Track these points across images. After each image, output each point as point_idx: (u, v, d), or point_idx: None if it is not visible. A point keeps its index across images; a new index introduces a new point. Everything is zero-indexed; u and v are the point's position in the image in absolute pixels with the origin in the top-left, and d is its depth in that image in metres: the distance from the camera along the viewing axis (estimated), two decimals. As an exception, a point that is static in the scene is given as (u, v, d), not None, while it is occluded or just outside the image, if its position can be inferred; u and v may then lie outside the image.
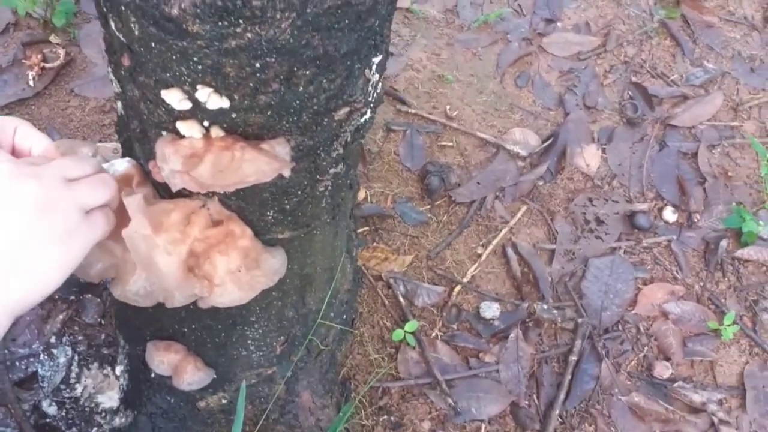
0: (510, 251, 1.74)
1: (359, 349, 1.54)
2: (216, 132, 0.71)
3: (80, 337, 1.42)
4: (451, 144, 1.93)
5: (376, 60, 0.77)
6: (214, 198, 0.83)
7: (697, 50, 2.28)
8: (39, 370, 1.37)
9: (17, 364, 1.37)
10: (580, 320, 1.65)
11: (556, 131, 1.98)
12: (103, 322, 1.45)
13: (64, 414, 1.33)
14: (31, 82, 1.77)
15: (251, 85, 0.66)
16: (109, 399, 1.35)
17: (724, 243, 1.82)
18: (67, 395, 1.35)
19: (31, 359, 1.38)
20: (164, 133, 0.75)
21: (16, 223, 0.65)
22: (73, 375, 1.38)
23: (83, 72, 1.85)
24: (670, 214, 1.87)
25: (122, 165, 0.83)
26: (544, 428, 1.52)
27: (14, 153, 0.76)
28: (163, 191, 0.85)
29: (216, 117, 0.70)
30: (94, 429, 1.32)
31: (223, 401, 1.22)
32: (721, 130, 2.08)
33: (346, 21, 0.65)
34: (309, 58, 0.66)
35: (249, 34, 0.61)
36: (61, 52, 1.83)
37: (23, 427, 1.29)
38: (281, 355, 1.20)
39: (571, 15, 2.32)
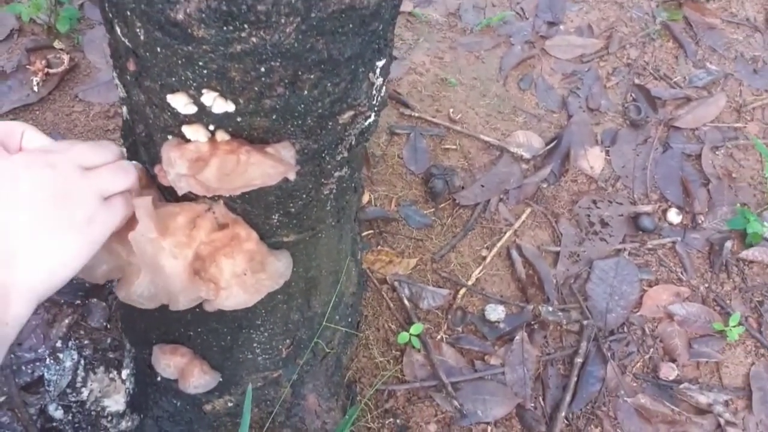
0: (514, 253, 1.74)
1: (364, 352, 1.55)
2: (221, 136, 0.72)
3: (86, 341, 1.43)
4: (454, 147, 1.93)
5: (380, 64, 0.78)
6: (219, 201, 0.84)
7: (700, 52, 2.28)
8: (45, 374, 1.37)
9: (23, 368, 1.37)
10: (585, 322, 1.65)
11: (560, 134, 1.98)
12: (108, 326, 1.45)
13: (70, 418, 1.34)
14: (35, 88, 1.78)
15: (256, 89, 0.67)
16: (116, 403, 1.35)
17: (728, 244, 1.82)
18: (73, 399, 1.36)
19: (38, 363, 1.38)
20: (170, 137, 0.75)
21: (34, 211, 0.66)
22: (79, 379, 1.38)
23: (87, 77, 1.85)
24: (674, 216, 1.87)
25: (128, 169, 0.84)
26: (550, 430, 1.52)
27: None
28: (168, 195, 0.85)
29: (221, 121, 0.71)
30: (101, 433, 1.33)
31: (230, 404, 1.22)
32: (724, 132, 2.08)
33: (350, 25, 0.66)
34: (313, 62, 0.66)
35: (254, 39, 0.61)
36: (65, 57, 1.84)
37: (30, 431, 1.30)
38: (287, 358, 1.20)
39: (573, 18, 2.32)
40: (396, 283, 1.64)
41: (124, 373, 1.36)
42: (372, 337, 1.57)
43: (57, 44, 1.89)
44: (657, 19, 2.34)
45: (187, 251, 0.81)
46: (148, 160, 0.85)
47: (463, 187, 1.83)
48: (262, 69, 0.65)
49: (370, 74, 0.77)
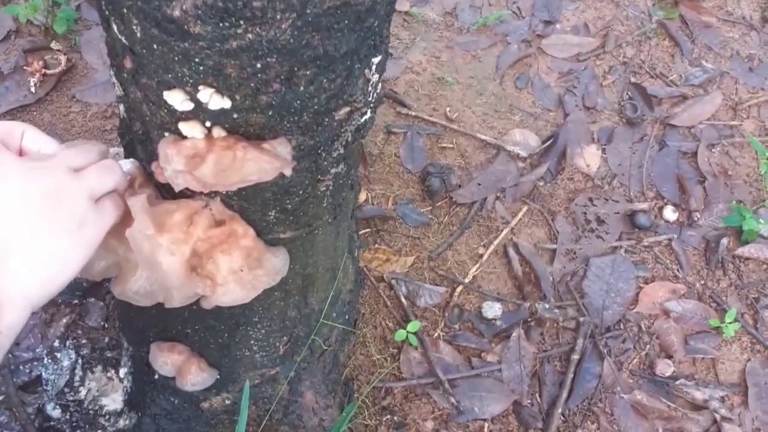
0: (511, 251, 1.75)
1: (362, 350, 1.55)
2: (218, 132, 0.72)
3: (84, 341, 1.43)
4: (451, 146, 1.94)
5: (376, 60, 0.78)
6: (216, 198, 0.84)
7: (696, 50, 2.29)
8: (43, 373, 1.38)
9: (21, 367, 1.38)
10: (581, 319, 1.65)
11: (556, 132, 1.99)
12: (106, 325, 1.45)
13: (68, 417, 1.34)
14: (32, 89, 1.78)
15: (252, 85, 0.67)
16: (113, 401, 1.35)
17: (724, 241, 1.83)
18: (71, 398, 1.36)
19: (35, 363, 1.39)
20: (167, 134, 0.76)
21: (29, 217, 0.66)
22: (76, 378, 1.38)
23: (84, 78, 1.86)
24: (670, 213, 1.88)
25: (125, 166, 0.84)
26: (546, 427, 1.52)
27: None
28: (165, 192, 0.86)
29: (218, 117, 0.71)
30: (99, 431, 1.33)
31: (227, 402, 1.23)
32: (720, 130, 2.09)
33: (346, 21, 0.66)
34: (309, 58, 0.67)
35: (250, 35, 0.62)
36: (63, 58, 1.84)
37: (28, 430, 1.30)
38: (284, 356, 1.20)
39: (569, 17, 2.33)
40: (393, 281, 1.64)
41: (122, 371, 1.36)
42: (369, 334, 1.58)
43: (54, 45, 1.89)
44: (653, 18, 2.35)
45: (184, 248, 0.81)
46: (145, 158, 0.85)
47: (460, 186, 1.84)
48: (258, 65, 0.65)
49: (366, 70, 0.77)
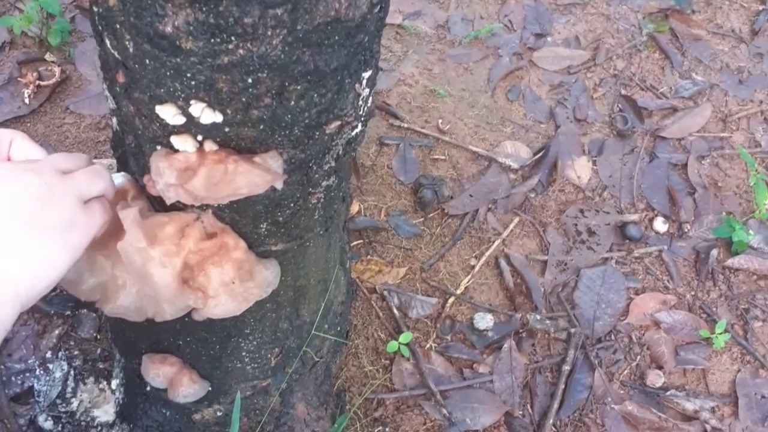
0: (503, 263, 1.75)
1: (354, 361, 1.55)
2: (209, 146, 0.73)
3: (76, 352, 1.43)
4: (443, 157, 1.95)
5: (366, 75, 0.79)
6: (208, 211, 0.85)
7: (686, 63, 2.31)
8: (35, 384, 1.38)
9: (13, 379, 1.38)
10: (572, 330, 1.66)
11: (548, 144, 2.00)
12: (98, 336, 1.46)
13: (60, 428, 1.34)
14: (26, 100, 1.79)
15: (243, 100, 0.68)
16: (105, 413, 1.36)
17: (714, 252, 1.84)
18: (63, 410, 1.36)
19: (27, 374, 1.39)
20: (159, 147, 0.76)
21: (19, 216, 0.67)
22: (69, 389, 1.38)
23: (78, 90, 1.86)
24: (660, 225, 1.89)
25: (117, 179, 0.85)
26: (538, 438, 1.53)
27: None
28: (157, 205, 0.86)
29: (209, 131, 0.72)
30: (91, 443, 1.33)
31: (219, 413, 1.23)
32: (710, 141, 2.11)
33: (336, 37, 0.67)
34: (300, 74, 0.68)
35: (241, 51, 0.63)
36: (57, 70, 1.85)
37: (20, 441, 1.30)
38: (276, 367, 1.21)
39: (561, 30, 2.34)
40: (385, 293, 1.65)
41: (114, 383, 1.36)
42: (361, 346, 1.58)
43: (48, 57, 1.90)
44: (643, 31, 2.37)
45: (175, 260, 0.82)
46: (138, 171, 0.86)
47: (451, 197, 1.85)
48: (250, 80, 0.66)
49: (357, 85, 0.78)
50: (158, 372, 1.11)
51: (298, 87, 0.69)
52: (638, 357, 1.67)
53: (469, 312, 1.68)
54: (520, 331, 1.66)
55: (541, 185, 1.93)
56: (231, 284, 0.86)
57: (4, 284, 0.65)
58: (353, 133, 0.86)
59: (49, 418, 1.35)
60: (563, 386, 1.58)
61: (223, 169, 0.72)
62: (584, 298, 1.73)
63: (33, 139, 0.77)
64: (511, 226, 1.83)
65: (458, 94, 2.11)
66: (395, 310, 1.63)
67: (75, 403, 1.37)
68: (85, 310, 1.47)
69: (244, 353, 1.13)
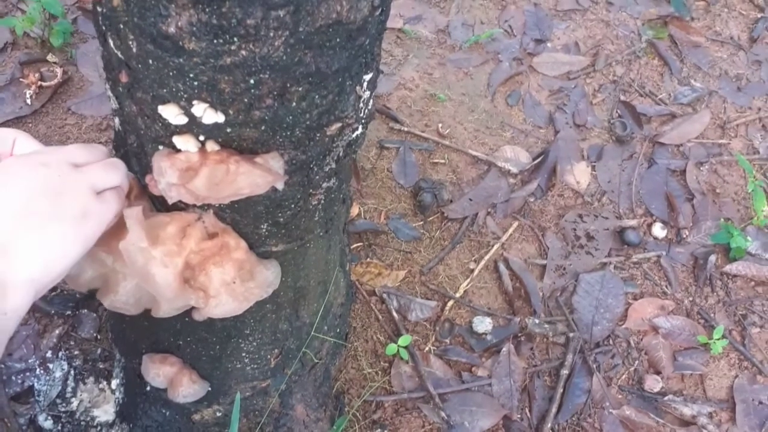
0: (502, 266, 1.76)
1: (353, 363, 1.56)
2: (211, 146, 0.74)
3: (76, 352, 1.44)
4: (443, 161, 1.95)
5: (367, 77, 0.80)
6: (209, 211, 0.85)
7: (685, 69, 2.32)
8: (35, 384, 1.38)
9: (13, 378, 1.38)
10: (571, 335, 1.67)
11: (547, 149, 2.01)
12: (98, 336, 1.46)
13: (59, 428, 1.34)
14: (28, 101, 1.80)
15: (245, 100, 0.69)
16: (105, 413, 1.36)
17: (712, 258, 1.85)
18: (62, 409, 1.37)
19: (28, 374, 1.39)
20: (161, 147, 0.77)
21: (33, 205, 0.68)
22: (69, 389, 1.39)
23: (80, 90, 1.87)
24: (659, 230, 1.90)
25: (120, 179, 0.85)
26: (535, 441, 1.53)
27: None
28: (159, 204, 0.87)
29: (211, 131, 0.73)
30: (90, 443, 1.34)
31: (218, 414, 1.23)
32: (708, 148, 2.12)
33: (338, 39, 0.68)
34: (302, 75, 0.68)
35: (243, 52, 0.64)
36: (59, 71, 1.86)
37: (19, 441, 1.30)
38: (275, 368, 1.21)
39: (560, 35, 2.35)
40: (385, 295, 1.65)
41: (114, 383, 1.36)
42: (360, 348, 1.59)
43: (50, 58, 1.90)
44: (643, 37, 2.38)
45: (177, 260, 0.82)
46: (140, 170, 0.86)
47: (451, 201, 1.85)
48: (252, 81, 0.67)
49: (357, 87, 0.79)
50: (158, 372, 1.12)
51: (300, 88, 0.70)
52: (636, 362, 1.68)
53: (468, 315, 1.68)
54: (519, 334, 1.66)
55: (540, 190, 1.94)
56: (232, 284, 0.87)
57: (20, 271, 0.66)
58: (354, 135, 0.87)
59: (49, 417, 1.35)
60: (561, 390, 1.59)
61: (224, 169, 0.72)
62: (583, 302, 1.73)
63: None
64: (510, 231, 1.84)
65: (458, 99, 2.11)
66: (394, 313, 1.63)
67: (75, 403, 1.37)
68: (86, 311, 1.48)
69: (243, 354, 1.14)
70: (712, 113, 2.20)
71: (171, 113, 0.70)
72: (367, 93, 0.83)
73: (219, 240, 0.86)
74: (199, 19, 0.60)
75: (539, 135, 2.07)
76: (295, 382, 1.29)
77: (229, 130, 0.72)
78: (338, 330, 1.41)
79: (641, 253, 1.86)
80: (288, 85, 0.69)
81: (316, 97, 0.73)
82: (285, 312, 1.12)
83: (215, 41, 0.62)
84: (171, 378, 1.13)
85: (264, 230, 0.91)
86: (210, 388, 1.16)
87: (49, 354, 1.42)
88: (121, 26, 0.66)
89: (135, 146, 0.84)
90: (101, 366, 1.42)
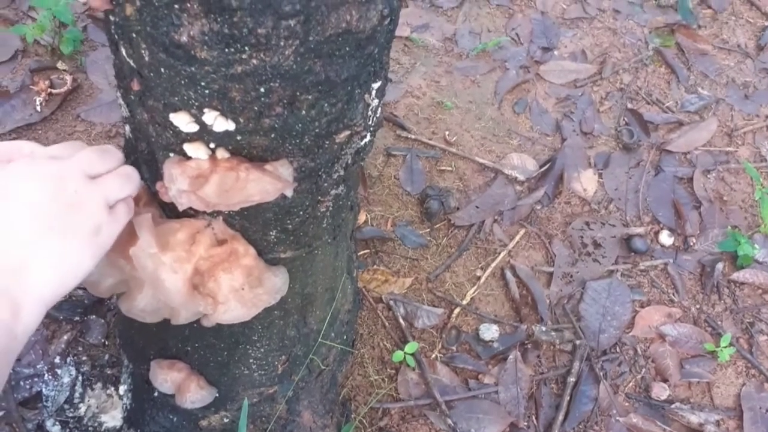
0: (509, 274, 1.76)
1: (359, 370, 1.56)
2: (221, 153, 0.74)
3: (84, 358, 1.44)
4: (450, 169, 1.96)
5: (376, 86, 0.81)
6: (218, 218, 0.86)
7: (692, 77, 2.32)
8: (43, 389, 1.39)
9: (22, 383, 1.39)
10: (578, 342, 1.67)
11: (554, 156, 2.01)
12: (106, 342, 1.47)
13: (67, 433, 1.35)
14: (38, 108, 1.81)
15: (256, 108, 0.69)
16: (112, 418, 1.36)
17: (719, 266, 1.85)
18: (70, 415, 1.37)
19: (36, 379, 1.40)
20: (171, 154, 0.78)
21: (46, 222, 0.67)
22: (76, 395, 1.39)
23: (89, 98, 1.88)
24: (666, 238, 1.90)
25: (130, 186, 0.86)
26: (542, 449, 1.53)
27: None
28: (169, 211, 0.87)
29: (222, 139, 0.73)
30: (97, 448, 1.34)
31: (225, 420, 1.23)
32: (715, 156, 2.12)
33: (347, 48, 0.69)
34: (311, 83, 0.69)
35: (254, 61, 0.64)
36: (68, 78, 1.87)
37: (27, 446, 1.31)
38: (282, 375, 1.22)
39: (567, 43, 2.36)
40: (391, 302, 1.66)
41: (122, 388, 1.37)
42: (367, 355, 1.59)
43: (60, 65, 1.92)
44: (650, 45, 2.38)
45: (186, 266, 0.83)
46: (150, 178, 0.87)
47: (458, 208, 1.86)
48: (262, 89, 0.67)
49: (366, 95, 0.80)
50: (166, 377, 1.12)
51: (309, 97, 0.71)
52: (643, 369, 1.68)
53: (475, 323, 1.68)
54: (526, 342, 1.66)
55: (547, 197, 1.94)
56: (240, 290, 0.87)
57: (31, 289, 0.66)
58: (362, 143, 0.87)
59: (57, 423, 1.35)
60: (568, 398, 1.59)
61: (234, 177, 0.73)
62: (590, 310, 1.73)
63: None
64: (517, 238, 1.84)
65: (465, 106, 2.12)
66: (401, 320, 1.64)
67: (83, 408, 1.38)
68: (94, 317, 1.48)
69: (251, 360, 1.14)
70: (719, 121, 2.20)
71: (182, 121, 0.71)
72: (376, 101, 0.83)
73: (228, 246, 0.87)
74: (211, 29, 0.61)
75: (546, 143, 2.07)
76: (302, 389, 1.29)
77: (239, 137, 0.73)
78: (345, 337, 1.41)
79: (648, 261, 1.86)
80: (298, 93, 0.69)
81: (326, 105, 0.73)
82: (293, 318, 1.13)
83: (227, 50, 0.63)
84: (179, 384, 1.13)
85: (273, 237, 0.91)
86: (217, 394, 1.17)
87: (57, 359, 1.42)
88: (134, 35, 0.67)
89: (146, 153, 0.85)
90: (109, 372, 1.43)
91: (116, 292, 0.90)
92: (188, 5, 0.60)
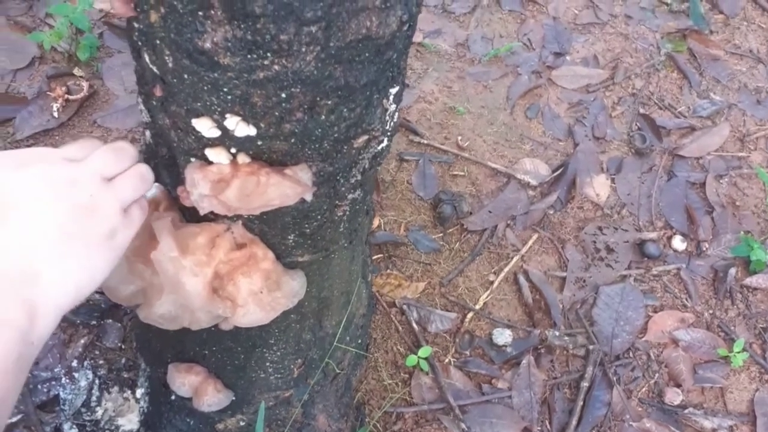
0: (522, 279, 1.77)
1: (373, 374, 1.57)
2: (242, 158, 0.75)
3: (101, 361, 1.46)
4: (462, 173, 1.97)
5: (394, 91, 0.82)
6: (238, 222, 0.87)
7: (704, 82, 2.32)
8: (60, 393, 1.40)
9: (39, 387, 1.40)
10: (591, 347, 1.67)
11: (566, 161, 2.02)
12: (123, 346, 1.48)
13: (84, 436, 1.36)
14: (55, 114, 1.83)
15: (277, 114, 0.70)
16: (129, 422, 1.37)
17: (732, 271, 1.84)
18: (87, 418, 1.38)
19: (53, 382, 1.41)
20: (193, 159, 0.79)
21: (63, 229, 0.67)
22: (93, 398, 1.41)
23: (106, 104, 1.90)
24: (679, 243, 1.90)
25: (151, 190, 0.87)
26: (556, 454, 1.53)
27: None
28: (188, 215, 0.89)
29: (243, 144, 0.74)
30: (114, 451, 1.35)
31: (241, 423, 1.24)
32: (728, 161, 2.11)
33: (367, 54, 0.69)
34: (331, 89, 0.70)
35: (276, 66, 0.65)
36: (85, 84, 1.89)
37: (45, 448, 1.32)
38: (298, 378, 1.22)
39: (579, 48, 2.36)
40: (404, 307, 1.66)
41: (139, 392, 1.38)
42: (381, 359, 1.60)
43: (77, 71, 1.94)
44: (662, 51, 2.39)
45: (206, 269, 0.84)
46: (171, 182, 0.88)
47: (471, 213, 1.86)
48: (283, 95, 0.68)
49: (384, 100, 0.80)
50: (184, 381, 1.13)
51: (329, 102, 0.72)
52: (656, 374, 1.68)
53: (488, 327, 1.69)
54: (539, 347, 1.67)
55: (559, 202, 1.94)
56: (259, 294, 0.88)
57: (47, 295, 0.65)
58: (379, 148, 0.88)
59: (74, 426, 1.37)
60: (582, 403, 1.59)
61: (255, 181, 0.74)
62: (603, 315, 1.73)
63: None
64: (530, 243, 1.85)
65: (477, 112, 2.13)
66: (414, 325, 1.64)
67: (99, 412, 1.39)
68: (111, 320, 1.50)
69: (267, 363, 1.15)
70: (731, 126, 2.20)
71: (204, 126, 0.72)
72: (393, 106, 0.84)
73: (247, 250, 0.88)
74: (234, 35, 0.62)
75: (558, 147, 2.08)
76: (318, 393, 1.30)
77: (260, 142, 0.74)
78: (360, 341, 1.42)
79: (661, 266, 1.86)
80: (318, 98, 0.70)
81: (345, 110, 0.74)
82: (309, 322, 1.13)
83: (249, 56, 0.64)
84: (196, 387, 1.14)
85: (291, 241, 0.92)
86: (234, 398, 1.18)
87: (74, 363, 1.44)
88: (158, 42, 0.68)
89: (166, 158, 0.86)
90: (126, 375, 1.44)
91: (135, 302, 0.91)
92: (212, 12, 0.61)
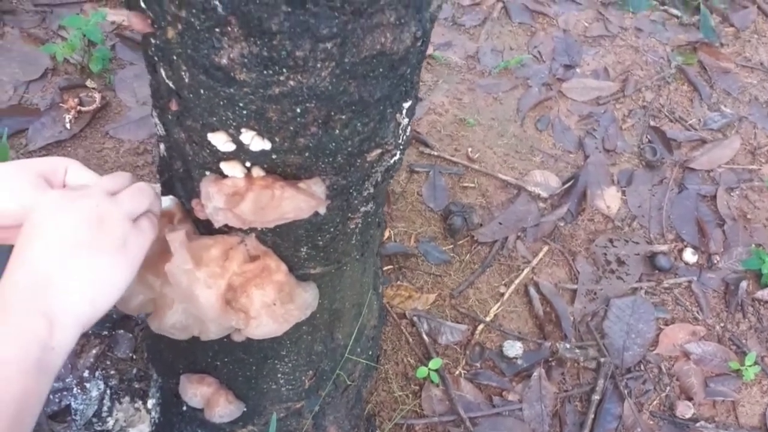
0: (532, 291, 1.76)
1: (384, 386, 1.57)
2: (257, 172, 0.76)
3: (112, 372, 1.46)
4: (473, 185, 1.97)
5: (406, 105, 0.82)
6: (251, 234, 0.87)
7: (715, 95, 2.32)
8: (72, 403, 1.41)
9: (51, 397, 1.41)
10: (602, 360, 1.66)
11: (577, 173, 2.02)
12: (134, 357, 1.49)
13: (96, 446, 1.37)
14: (67, 125, 1.84)
15: (291, 128, 0.71)
16: (140, 432, 1.38)
17: (743, 284, 1.84)
18: (99, 428, 1.39)
19: (65, 393, 1.42)
20: (208, 173, 0.79)
21: (76, 241, 0.69)
22: (105, 408, 1.41)
23: (118, 115, 1.92)
24: (690, 256, 1.89)
25: (165, 202, 0.88)
26: (566, 467, 1.53)
27: None
28: (202, 228, 0.89)
29: (257, 158, 0.75)
30: (125, 462, 1.36)
31: (252, 434, 1.25)
32: (739, 174, 2.11)
33: (381, 69, 0.70)
34: (345, 104, 0.71)
35: (291, 82, 0.66)
36: (97, 96, 1.91)
37: (57, 458, 1.33)
38: (309, 390, 1.23)
39: (589, 61, 2.37)
40: (415, 318, 1.67)
41: (150, 402, 1.39)
42: (391, 371, 1.60)
43: (89, 83, 1.96)
44: (672, 63, 2.39)
45: (220, 281, 0.84)
46: (185, 195, 0.89)
47: (481, 225, 1.87)
48: (298, 110, 0.69)
49: (397, 115, 0.81)
50: (196, 392, 1.14)
51: (343, 116, 0.72)
52: (668, 388, 1.67)
53: (499, 339, 1.68)
54: (550, 359, 1.66)
55: (570, 214, 1.94)
56: (272, 306, 0.89)
57: (65, 307, 0.68)
58: (392, 161, 0.89)
59: (86, 436, 1.37)
60: (593, 416, 1.58)
61: (270, 195, 0.75)
62: (614, 327, 1.73)
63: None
64: (541, 255, 1.85)
65: (488, 123, 2.13)
66: (425, 336, 1.64)
67: (111, 422, 1.39)
68: (122, 331, 1.50)
69: (279, 375, 1.15)
70: (742, 139, 2.19)
71: (220, 140, 0.73)
72: (406, 120, 0.85)
73: (260, 262, 0.88)
74: (251, 51, 0.63)
75: (569, 160, 2.08)
76: (329, 404, 1.30)
77: (274, 156, 0.74)
78: (371, 352, 1.42)
79: (672, 279, 1.85)
80: (332, 113, 0.71)
81: (359, 124, 0.75)
82: (320, 334, 1.14)
83: (265, 72, 0.64)
84: (208, 398, 1.15)
85: (303, 253, 0.93)
86: (245, 409, 1.18)
87: (86, 374, 1.44)
88: (174, 57, 0.69)
89: (181, 172, 0.86)
90: (137, 386, 1.45)
91: (144, 311, 0.92)
92: (229, 29, 0.62)
